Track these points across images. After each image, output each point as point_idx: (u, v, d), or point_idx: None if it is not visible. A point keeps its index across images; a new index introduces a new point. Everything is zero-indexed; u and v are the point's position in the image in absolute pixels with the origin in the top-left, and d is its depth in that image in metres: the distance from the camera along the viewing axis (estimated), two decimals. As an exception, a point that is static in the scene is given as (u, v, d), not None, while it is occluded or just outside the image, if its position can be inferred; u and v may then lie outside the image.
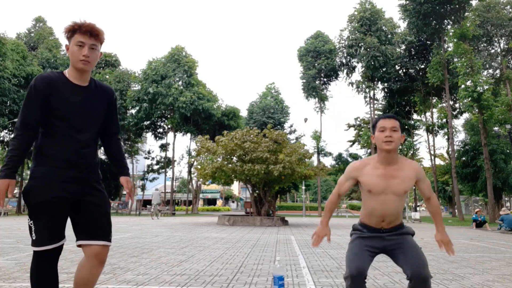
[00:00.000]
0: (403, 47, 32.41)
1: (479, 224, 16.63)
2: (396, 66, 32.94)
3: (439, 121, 31.98)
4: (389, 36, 34.14)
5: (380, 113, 36.82)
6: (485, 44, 30.13)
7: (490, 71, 31.12)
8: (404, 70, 33.14)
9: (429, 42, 31.66)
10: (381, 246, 2.50)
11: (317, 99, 39.98)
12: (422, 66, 32.20)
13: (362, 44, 33.85)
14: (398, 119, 2.48)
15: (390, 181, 2.43)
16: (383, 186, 2.43)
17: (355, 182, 2.59)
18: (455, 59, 24.98)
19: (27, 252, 6.29)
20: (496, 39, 29.36)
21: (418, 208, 32.05)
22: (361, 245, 2.48)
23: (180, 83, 36.56)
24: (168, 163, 40.20)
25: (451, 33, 23.83)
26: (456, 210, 28.14)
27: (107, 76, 37.50)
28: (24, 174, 37.84)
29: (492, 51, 30.37)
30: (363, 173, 2.52)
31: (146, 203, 48.48)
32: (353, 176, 2.56)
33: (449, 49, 27.19)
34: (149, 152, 43.56)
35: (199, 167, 19.03)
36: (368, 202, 2.51)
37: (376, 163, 2.50)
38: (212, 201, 63.61)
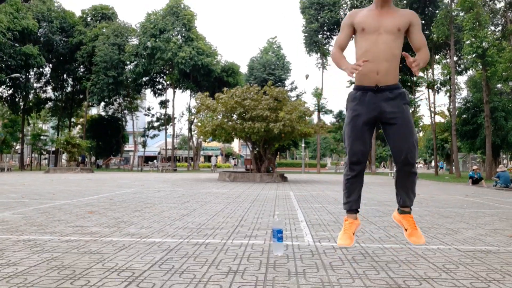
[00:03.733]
0: (405, 1, 31.25)
1: (475, 181, 16.90)
2: None
3: (442, 78, 31.53)
4: None
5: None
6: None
7: (492, 27, 30.23)
8: None
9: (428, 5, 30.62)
10: (377, 117, 2.58)
11: (319, 54, 39.15)
12: (423, 22, 31.24)
13: (365, -3, 32.68)
14: None
15: (383, 19, 2.49)
16: (376, 23, 2.48)
17: (351, 29, 2.62)
18: (461, 14, 24.17)
19: (33, 206, 6.45)
20: None
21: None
22: (357, 125, 2.57)
23: (179, 37, 35.67)
24: (168, 120, 40.16)
25: None
26: (453, 167, 28.46)
27: (104, 30, 36.49)
28: (25, 130, 37.93)
29: (497, 6, 29.32)
30: (357, 16, 2.58)
31: (148, 159, 48.97)
32: (349, 22, 2.60)
33: (455, 1, 26.24)
34: (148, 109, 43.41)
35: (199, 124, 19.04)
36: (361, 44, 2.56)
37: (372, 8, 2.58)
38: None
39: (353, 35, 2.68)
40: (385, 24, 2.46)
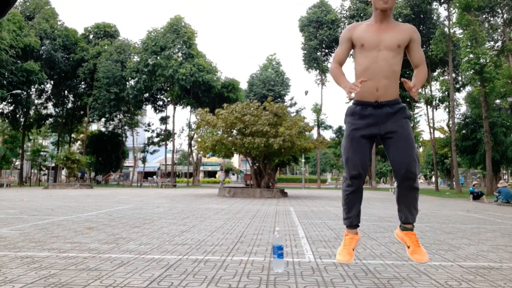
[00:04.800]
0: (400, 20, 31.76)
1: (476, 196, 16.82)
2: None
3: (441, 94, 31.74)
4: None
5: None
6: (487, 15, 29.48)
7: (492, 43, 30.62)
8: None
9: (422, 16, 31.08)
10: (377, 132, 2.53)
11: (318, 71, 39.51)
12: None
13: (364, 14, 33.15)
14: None
15: (383, 35, 2.41)
16: (376, 40, 2.41)
17: (350, 44, 2.56)
18: (459, 31, 24.50)
19: (31, 222, 6.40)
20: (499, 10, 28.68)
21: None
22: (356, 138, 2.52)
23: (179, 54, 36.07)
24: (168, 135, 40.24)
25: (457, 4, 23.25)
26: (454, 183, 28.38)
27: (106, 47, 36.92)
28: (25, 146, 37.97)
29: (493, 22, 29.76)
30: (356, 31, 2.52)
31: (147, 175, 48.88)
32: (347, 37, 2.54)
33: (453, 20, 26.62)
34: (149, 125, 43.55)
35: (199, 140, 19.07)
36: (361, 61, 2.50)
37: (371, 22, 2.51)
38: (212, 173, 64.14)
39: (352, 49, 2.66)
40: (385, 41, 2.42)
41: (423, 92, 33.43)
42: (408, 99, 34.79)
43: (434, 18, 31.64)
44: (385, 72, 2.44)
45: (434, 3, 30.85)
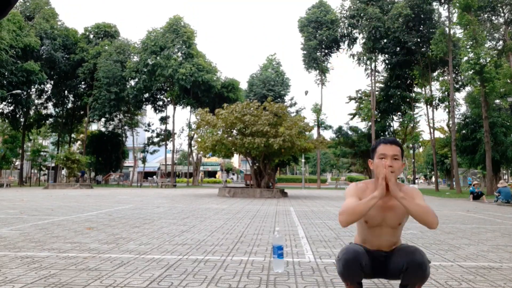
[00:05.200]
0: (401, 20, 31.73)
1: (476, 196, 16.83)
2: (395, 39, 32.36)
3: (441, 94, 31.76)
4: (390, 6, 33.40)
5: (382, 85, 36.44)
6: (488, 14, 29.46)
7: (493, 42, 30.61)
8: (402, 43, 32.61)
9: (423, 16, 31.06)
10: (379, 260, 2.33)
11: (318, 71, 39.50)
12: (419, 40, 31.65)
13: (364, 14, 33.14)
14: (399, 144, 2.27)
15: (386, 214, 2.27)
16: (380, 219, 2.28)
17: (358, 200, 2.31)
18: (459, 31, 24.52)
19: (31, 222, 6.40)
20: (500, 9, 28.67)
21: (416, 181, 32.30)
22: (359, 246, 2.29)
23: (179, 54, 36.07)
24: (168, 135, 40.24)
25: (457, 4, 23.25)
26: (454, 183, 28.39)
27: (106, 47, 36.93)
28: (25, 146, 37.96)
29: (496, 21, 29.74)
30: (363, 198, 2.30)
31: (147, 175, 48.90)
32: (358, 195, 2.33)
33: (454, 20, 26.64)
34: (149, 125, 43.55)
35: (199, 140, 19.07)
36: (363, 231, 2.37)
37: (373, 192, 2.27)
38: (212, 173, 64.14)
39: None
40: (388, 221, 2.28)
41: (424, 92, 33.44)
42: (408, 99, 34.86)
43: (435, 18, 31.58)
44: (387, 242, 2.34)
45: (434, 3, 30.84)
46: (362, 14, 33.43)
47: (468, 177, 43.58)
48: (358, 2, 34.10)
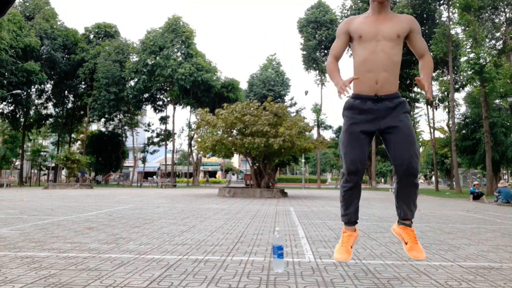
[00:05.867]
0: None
1: (477, 197, 16.82)
2: None
3: (440, 94, 31.75)
4: (391, 5, 33.42)
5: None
6: (489, 13, 29.44)
7: (493, 41, 30.60)
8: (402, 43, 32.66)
9: (425, 15, 31.06)
10: (376, 128, 2.46)
11: (317, 71, 39.51)
12: None
13: (365, 14, 33.19)
14: None
15: (381, 26, 2.35)
16: (374, 30, 2.35)
17: (347, 37, 2.49)
18: (459, 30, 24.54)
19: (31, 222, 6.40)
20: (501, 8, 28.66)
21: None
22: (355, 133, 2.43)
23: (178, 54, 36.06)
24: (168, 135, 40.23)
25: (457, 4, 23.25)
26: (454, 183, 28.39)
27: (107, 48, 36.94)
28: (25, 146, 37.96)
29: (496, 20, 29.72)
30: (353, 23, 2.46)
31: (147, 175, 48.89)
32: (344, 29, 2.47)
33: (454, 20, 26.63)
34: (149, 125, 43.53)
35: (199, 140, 19.06)
36: (359, 52, 2.43)
37: (368, 14, 2.46)
38: (212, 173, 64.13)
39: (349, 43, 2.59)
40: (384, 31, 2.34)
41: (423, 92, 33.42)
42: (407, 99, 34.80)
43: (437, 18, 31.57)
44: (384, 63, 2.36)
45: (434, 4, 30.84)
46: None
47: (484, 180, 43.51)
48: (359, 1, 34.11)
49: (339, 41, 2.53)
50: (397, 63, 2.47)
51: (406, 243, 2.74)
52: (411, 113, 34.70)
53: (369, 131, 2.49)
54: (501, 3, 27.73)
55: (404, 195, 2.62)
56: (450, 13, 28.26)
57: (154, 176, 45.01)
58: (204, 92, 36.11)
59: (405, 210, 2.69)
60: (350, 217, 2.78)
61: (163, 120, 41.37)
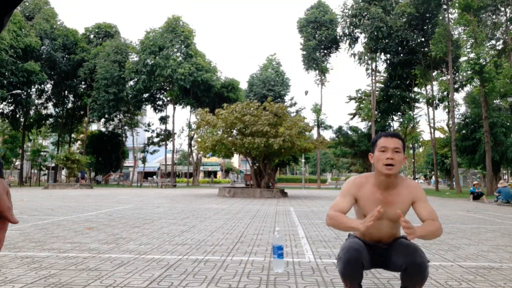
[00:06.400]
0: (404, 19, 31.71)
1: (476, 196, 16.82)
2: (397, 38, 32.36)
3: (440, 94, 31.78)
4: (393, 5, 33.38)
5: (381, 85, 36.45)
6: (490, 13, 29.43)
7: (493, 41, 30.59)
8: (404, 43, 32.62)
9: (428, 15, 31.03)
10: (379, 253, 2.30)
11: (317, 71, 39.51)
12: (422, 39, 31.66)
13: (366, 13, 33.12)
14: (401, 137, 2.21)
15: (386, 208, 2.20)
16: (379, 213, 2.15)
17: (353, 201, 2.28)
18: (459, 30, 24.55)
19: (31, 222, 6.40)
20: (502, 8, 28.65)
21: (416, 181, 32.24)
22: (360, 242, 2.22)
23: (178, 54, 36.06)
24: (168, 135, 40.23)
25: (456, 4, 23.26)
26: (454, 183, 28.39)
27: (107, 48, 36.95)
28: (25, 146, 37.96)
29: (496, 20, 29.72)
30: (360, 194, 2.27)
31: (147, 175, 48.89)
32: (352, 193, 2.28)
33: (453, 20, 26.63)
34: (148, 125, 43.52)
35: (199, 140, 19.06)
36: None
37: (373, 186, 2.24)
38: (212, 173, 64.11)
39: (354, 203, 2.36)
40: (389, 215, 2.20)
41: (424, 92, 33.43)
42: (407, 99, 34.85)
43: (440, 17, 31.56)
44: (386, 235, 2.27)
45: (433, 4, 30.82)
46: (364, 14, 33.41)
47: (475, 177, 43.46)
48: (360, 1, 34.07)
49: (345, 201, 2.28)
50: (399, 229, 2.32)
51: None
52: (411, 113, 34.73)
53: (373, 254, 2.30)
54: (501, 3, 27.72)
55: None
56: (450, 13, 28.24)
57: (154, 176, 45.00)
58: (204, 92, 36.11)
59: None
60: None
61: (163, 120, 41.37)
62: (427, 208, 2.21)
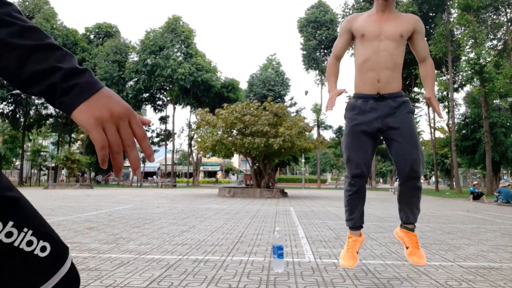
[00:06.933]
0: None
1: (477, 197, 16.82)
2: None
3: (440, 94, 31.76)
4: (396, 5, 33.41)
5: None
6: (490, 14, 29.41)
7: (494, 41, 30.59)
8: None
9: (431, 14, 30.97)
10: (379, 127, 2.39)
11: (317, 71, 39.52)
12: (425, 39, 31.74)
13: (367, 13, 33.17)
14: None
15: (385, 25, 2.29)
16: (377, 29, 2.29)
17: (350, 36, 2.43)
18: (459, 31, 24.53)
19: (31, 222, 6.39)
20: (503, 9, 28.64)
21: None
22: (358, 135, 2.36)
23: (178, 54, 36.07)
24: (168, 135, 40.23)
25: (456, 4, 23.26)
26: (454, 183, 28.39)
27: (106, 48, 36.96)
28: (25, 146, 37.95)
29: (497, 21, 29.71)
30: (356, 21, 2.40)
31: (147, 175, 48.88)
32: (347, 28, 2.41)
33: (453, 20, 26.63)
34: (148, 125, 43.56)
35: (199, 140, 19.07)
36: (361, 52, 2.38)
37: (372, 12, 2.40)
38: (212, 174, 64.10)
39: (352, 41, 2.53)
40: (387, 31, 2.29)
41: (424, 92, 33.41)
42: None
43: (441, 18, 31.51)
44: (386, 63, 2.32)
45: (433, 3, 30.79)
46: (365, 13, 33.46)
47: (475, 177, 43.43)
48: (361, 0, 34.10)
49: (342, 39, 2.48)
50: (399, 63, 2.42)
51: (407, 248, 2.66)
52: (412, 113, 34.72)
53: (372, 132, 2.43)
54: (501, 4, 27.71)
55: (406, 199, 2.54)
56: (449, 13, 28.23)
57: (154, 176, 44.99)
58: (204, 92, 36.12)
59: (408, 214, 2.62)
60: (355, 221, 2.70)
61: (163, 120, 41.38)
62: (425, 44, 2.48)
